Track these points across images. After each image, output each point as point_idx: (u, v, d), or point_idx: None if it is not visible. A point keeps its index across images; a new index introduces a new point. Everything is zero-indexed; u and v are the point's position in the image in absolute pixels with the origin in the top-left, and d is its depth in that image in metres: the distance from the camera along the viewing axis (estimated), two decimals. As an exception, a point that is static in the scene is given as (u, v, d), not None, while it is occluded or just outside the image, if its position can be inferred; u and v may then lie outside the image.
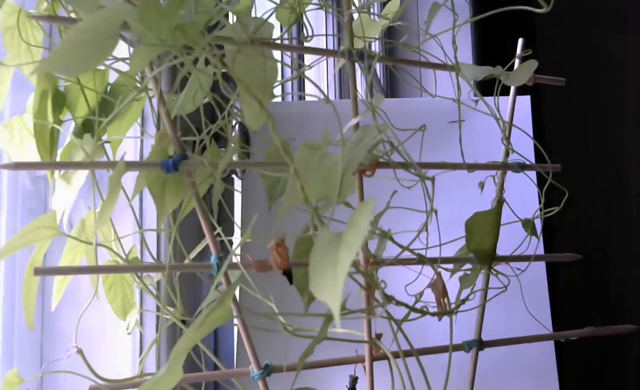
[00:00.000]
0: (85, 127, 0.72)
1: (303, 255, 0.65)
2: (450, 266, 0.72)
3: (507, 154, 0.77)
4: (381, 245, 0.65)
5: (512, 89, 0.80)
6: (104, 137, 0.71)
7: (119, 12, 0.44)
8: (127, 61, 0.62)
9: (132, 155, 0.84)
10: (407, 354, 0.63)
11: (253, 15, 0.75)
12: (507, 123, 0.77)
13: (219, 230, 0.66)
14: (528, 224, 0.75)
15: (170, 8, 0.49)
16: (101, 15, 0.43)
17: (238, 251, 0.65)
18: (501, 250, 0.75)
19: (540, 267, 0.95)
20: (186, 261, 0.73)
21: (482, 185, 0.74)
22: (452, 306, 0.68)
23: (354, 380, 0.73)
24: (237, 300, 0.65)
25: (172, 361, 0.50)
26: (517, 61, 0.78)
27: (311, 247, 0.45)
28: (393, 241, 0.63)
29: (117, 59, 0.62)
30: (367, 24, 0.75)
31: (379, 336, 0.68)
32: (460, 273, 0.72)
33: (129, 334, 0.78)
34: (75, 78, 0.70)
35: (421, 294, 0.64)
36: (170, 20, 0.50)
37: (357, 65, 0.68)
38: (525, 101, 0.99)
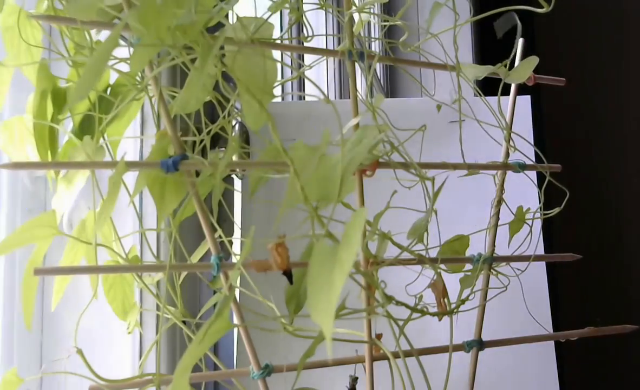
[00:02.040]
0: (84, 127, 0.72)
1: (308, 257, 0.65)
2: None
3: (507, 154, 0.77)
4: (381, 246, 0.65)
5: (513, 88, 0.80)
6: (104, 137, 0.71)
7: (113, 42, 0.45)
8: (127, 60, 0.62)
9: (132, 155, 0.84)
10: (407, 354, 0.63)
11: (253, 15, 0.75)
12: (507, 123, 0.77)
13: (219, 231, 0.66)
14: (521, 214, 0.75)
15: (165, 6, 0.49)
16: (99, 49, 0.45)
17: (238, 252, 0.65)
18: (501, 250, 0.75)
19: (540, 267, 0.95)
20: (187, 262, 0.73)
21: (470, 173, 0.73)
22: (452, 306, 0.68)
23: (354, 380, 0.73)
24: (237, 301, 0.64)
25: (178, 378, 0.50)
26: (517, 60, 0.78)
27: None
28: (393, 242, 0.63)
29: (119, 60, 0.62)
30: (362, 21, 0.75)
31: (379, 336, 0.68)
32: (460, 273, 0.72)
33: (129, 333, 0.78)
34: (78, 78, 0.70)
35: (421, 296, 0.64)
36: (167, 19, 0.50)
37: (357, 65, 0.68)
38: (525, 101, 0.99)
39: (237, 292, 0.73)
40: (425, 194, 0.64)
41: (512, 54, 0.72)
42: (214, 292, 0.75)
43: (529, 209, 0.76)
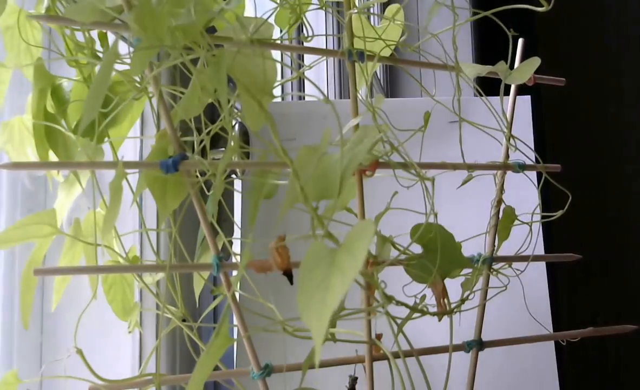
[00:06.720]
0: (84, 129, 0.72)
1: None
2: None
3: (507, 154, 0.77)
4: (383, 248, 0.64)
5: (513, 88, 0.80)
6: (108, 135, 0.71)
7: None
8: (127, 60, 0.62)
9: (132, 156, 0.84)
10: (407, 354, 0.63)
11: (253, 15, 0.75)
12: (508, 123, 0.77)
13: (219, 231, 0.66)
14: (510, 215, 0.75)
15: (163, 7, 0.49)
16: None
17: (238, 251, 0.65)
18: (501, 251, 0.75)
19: (540, 267, 0.95)
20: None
21: (468, 179, 0.73)
22: (452, 306, 0.68)
23: (353, 380, 0.73)
24: (237, 301, 0.64)
25: None
26: (517, 60, 0.78)
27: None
28: (393, 244, 0.63)
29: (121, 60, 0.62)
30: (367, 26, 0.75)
31: (379, 336, 0.68)
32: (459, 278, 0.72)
33: (129, 332, 0.78)
34: (80, 76, 0.70)
35: (422, 298, 0.64)
36: (165, 20, 0.50)
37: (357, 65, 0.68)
38: (525, 101, 0.99)
39: (237, 294, 0.73)
40: (425, 194, 0.64)
41: (510, 54, 0.72)
42: (214, 298, 0.75)
43: (513, 209, 0.76)
